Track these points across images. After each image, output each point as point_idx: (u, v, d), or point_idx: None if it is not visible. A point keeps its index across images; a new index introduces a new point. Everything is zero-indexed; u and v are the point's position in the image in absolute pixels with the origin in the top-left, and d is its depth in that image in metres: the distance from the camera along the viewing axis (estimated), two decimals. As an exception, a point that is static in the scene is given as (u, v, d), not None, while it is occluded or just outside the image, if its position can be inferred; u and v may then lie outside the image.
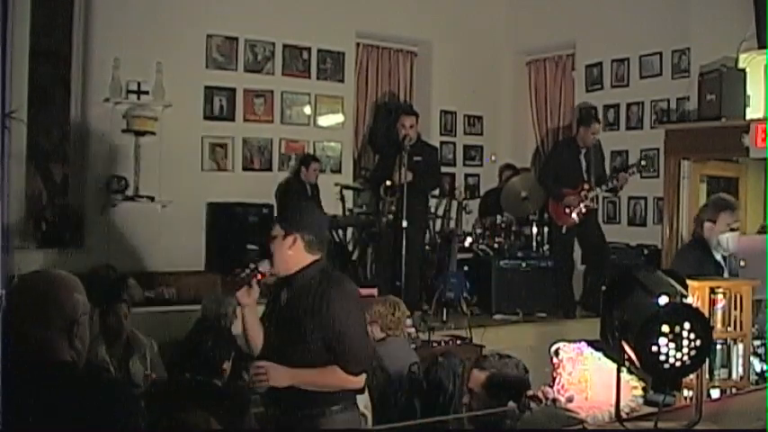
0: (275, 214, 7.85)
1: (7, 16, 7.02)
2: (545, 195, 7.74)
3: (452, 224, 8.11)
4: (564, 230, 7.53)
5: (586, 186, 7.44)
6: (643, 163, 7.62)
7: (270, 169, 8.17)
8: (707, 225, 4.53)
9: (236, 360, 4.50)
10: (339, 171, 8.59)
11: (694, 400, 2.70)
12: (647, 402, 2.71)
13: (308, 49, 8.38)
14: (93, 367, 4.27)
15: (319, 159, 8.13)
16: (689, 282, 2.61)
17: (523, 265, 7.57)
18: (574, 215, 7.44)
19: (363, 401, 4.10)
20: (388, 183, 7.09)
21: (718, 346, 3.41)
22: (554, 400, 2.79)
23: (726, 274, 4.44)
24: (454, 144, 9.40)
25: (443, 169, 8.39)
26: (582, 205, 7.42)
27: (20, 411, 1.89)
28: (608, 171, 7.85)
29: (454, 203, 8.03)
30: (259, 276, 3.15)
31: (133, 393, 2.11)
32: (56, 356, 2.00)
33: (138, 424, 2.02)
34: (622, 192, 7.90)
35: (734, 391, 3.43)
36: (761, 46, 6.77)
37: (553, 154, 8.20)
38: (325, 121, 8.56)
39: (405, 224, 6.78)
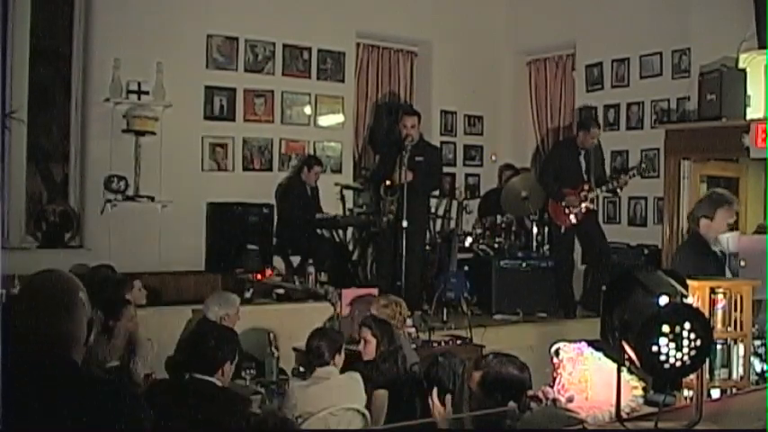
0: (275, 214, 7.87)
1: (8, 17, 7.06)
2: (545, 195, 7.74)
3: (452, 224, 8.11)
4: (563, 230, 7.54)
5: (586, 187, 7.45)
6: (643, 165, 7.62)
7: (270, 169, 8.17)
8: (704, 222, 4.51)
9: (238, 360, 4.52)
10: (339, 171, 8.59)
11: (694, 400, 2.71)
12: (648, 402, 2.71)
13: (309, 49, 8.38)
14: (96, 368, 4.30)
15: (322, 163, 8.12)
16: (689, 282, 2.62)
17: (523, 265, 7.57)
18: (573, 215, 7.45)
19: (363, 401, 4.11)
20: (388, 182, 7.11)
21: (719, 346, 3.42)
22: (554, 400, 2.80)
23: (727, 271, 4.43)
24: (454, 144, 9.40)
25: (444, 169, 8.38)
26: (582, 206, 7.43)
27: (27, 410, 1.89)
28: (608, 171, 7.86)
29: (454, 203, 8.04)
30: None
31: (138, 394, 2.11)
32: (66, 356, 2.00)
33: (143, 425, 2.03)
34: (622, 192, 7.89)
35: (734, 391, 3.43)
36: (761, 46, 6.77)
37: (553, 154, 8.20)
38: (326, 121, 8.55)
39: (405, 224, 6.78)
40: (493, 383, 3.03)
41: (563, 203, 7.47)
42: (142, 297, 5.51)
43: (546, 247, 7.96)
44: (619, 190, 7.62)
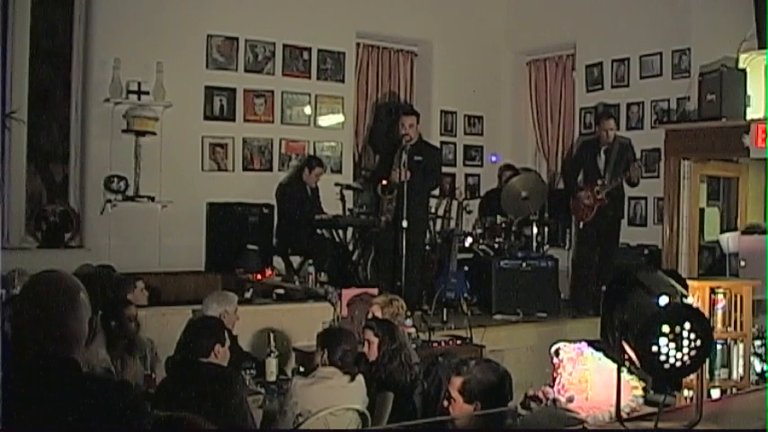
0: (275, 214, 7.87)
1: (8, 17, 7.06)
2: (547, 195, 7.83)
3: (452, 224, 8.11)
4: (581, 226, 7.70)
5: (600, 182, 7.50)
6: (637, 165, 7.60)
7: (270, 169, 8.17)
8: None
9: (238, 359, 4.53)
10: (339, 171, 8.59)
11: (695, 400, 2.71)
12: (648, 402, 2.71)
13: (309, 49, 8.38)
14: (97, 367, 4.31)
15: (324, 165, 8.09)
16: (689, 282, 2.62)
17: (523, 265, 7.56)
18: (588, 211, 7.57)
19: (365, 404, 4.11)
20: (384, 182, 7.14)
21: (719, 346, 3.42)
22: (554, 400, 2.80)
23: None
24: (454, 144, 9.40)
25: (444, 169, 8.39)
26: (595, 201, 7.52)
27: (28, 410, 1.89)
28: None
29: (454, 203, 8.04)
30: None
31: (138, 394, 2.11)
32: (68, 355, 2.00)
33: (143, 425, 2.03)
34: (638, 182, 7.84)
35: (734, 391, 3.44)
36: (761, 46, 6.77)
37: (577, 153, 8.36)
38: (326, 121, 8.55)
39: (405, 224, 6.79)
40: (472, 390, 3.04)
41: (577, 199, 7.65)
42: (144, 297, 5.52)
43: (546, 247, 7.97)
44: (635, 179, 7.50)
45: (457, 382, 3.08)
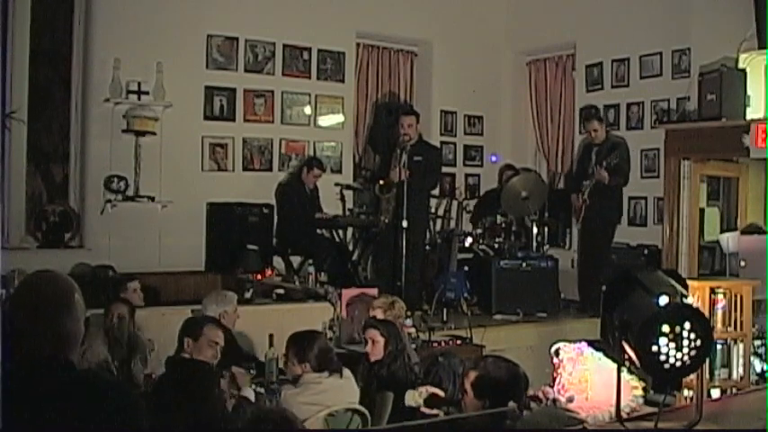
0: (275, 214, 7.88)
1: (8, 17, 7.05)
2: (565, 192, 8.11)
3: (452, 224, 8.11)
4: (578, 227, 7.85)
5: (585, 183, 7.61)
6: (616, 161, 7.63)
7: (270, 169, 8.17)
8: None
9: (237, 359, 4.52)
10: (339, 171, 8.58)
11: (695, 400, 2.71)
12: (648, 402, 2.71)
13: (309, 49, 8.38)
14: (97, 368, 4.33)
15: (323, 167, 8.08)
16: (689, 282, 2.62)
17: (523, 265, 7.57)
18: (578, 211, 7.73)
19: (356, 395, 4.10)
20: (382, 181, 7.15)
21: (719, 346, 3.42)
22: (554, 400, 2.80)
23: None
24: (454, 144, 9.40)
25: (444, 169, 8.39)
26: (582, 202, 7.63)
27: (27, 410, 1.89)
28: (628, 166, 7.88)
29: (454, 203, 8.04)
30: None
31: (138, 394, 2.12)
32: (66, 355, 2.00)
33: (141, 425, 2.02)
34: (608, 184, 7.86)
35: (734, 391, 3.44)
36: (761, 46, 6.77)
37: (578, 155, 8.43)
38: (326, 121, 8.55)
39: (405, 224, 6.79)
40: (483, 386, 3.04)
41: (572, 200, 7.80)
42: (138, 298, 5.51)
43: (546, 247, 7.98)
44: (603, 182, 7.56)
45: (471, 375, 3.10)
